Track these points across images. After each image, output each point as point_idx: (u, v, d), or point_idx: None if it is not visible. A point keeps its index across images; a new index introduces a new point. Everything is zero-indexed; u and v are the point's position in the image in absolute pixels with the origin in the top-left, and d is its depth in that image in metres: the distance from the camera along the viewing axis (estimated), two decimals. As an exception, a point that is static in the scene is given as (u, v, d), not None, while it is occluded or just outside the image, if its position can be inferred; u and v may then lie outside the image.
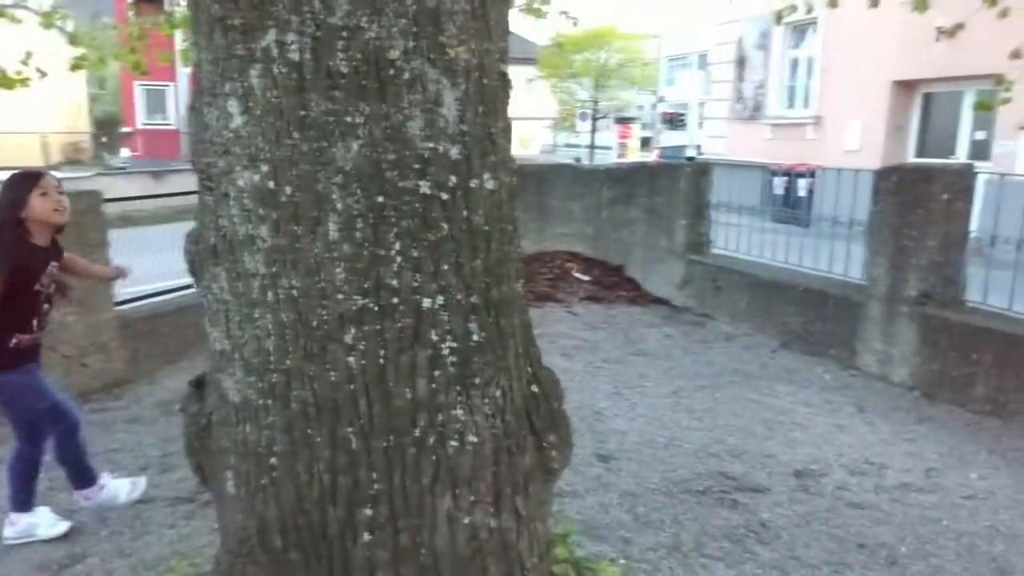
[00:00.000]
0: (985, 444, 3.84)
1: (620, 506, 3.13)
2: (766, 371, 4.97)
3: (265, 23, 1.51)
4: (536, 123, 28.61)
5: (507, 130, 1.76)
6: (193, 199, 5.35)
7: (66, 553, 2.79)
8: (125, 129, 24.94)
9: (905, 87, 10.94)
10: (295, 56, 1.50)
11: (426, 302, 1.59)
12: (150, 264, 5.27)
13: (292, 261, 1.56)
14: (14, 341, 2.69)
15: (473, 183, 1.63)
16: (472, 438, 1.65)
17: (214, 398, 1.79)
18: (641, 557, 2.75)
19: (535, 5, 5.27)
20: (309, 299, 1.57)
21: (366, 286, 1.56)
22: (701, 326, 6.07)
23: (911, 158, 10.82)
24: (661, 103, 28.99)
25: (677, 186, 6.63)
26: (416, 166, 1.55)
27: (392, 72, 1.52)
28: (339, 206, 1.54)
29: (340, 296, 1.56)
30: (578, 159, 19.42)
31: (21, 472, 2.92)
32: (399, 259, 1.56)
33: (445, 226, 1.59)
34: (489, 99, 1.66)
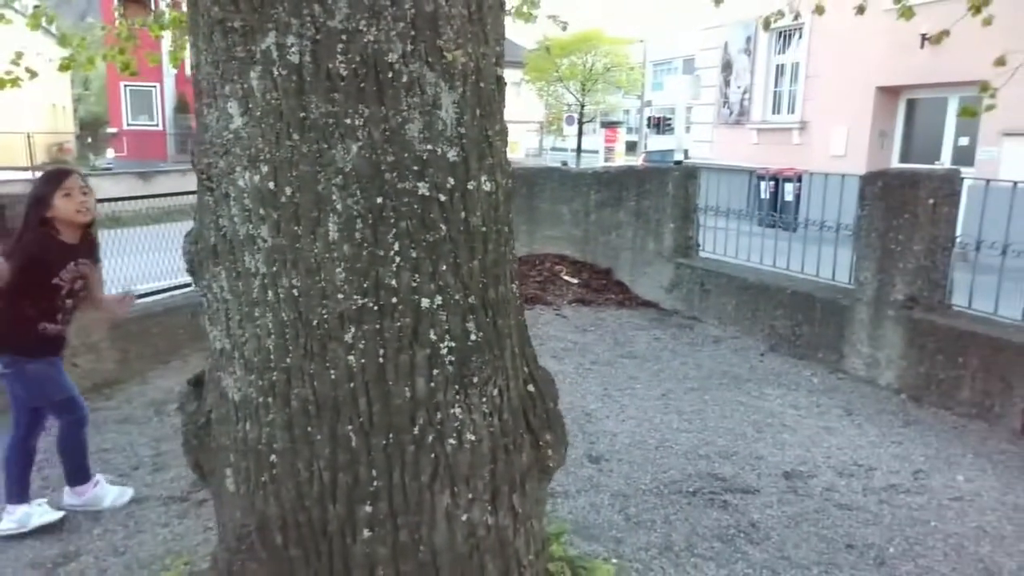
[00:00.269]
0: (971, 447, 3.89)
1: (611, 506, 3.16)
2: (754, 374, 5.02)
3: (265, 26, 1.52)
4: (522, 127, 28.70)
5: (503, 133, 1.79)
6: (180, 200, 5.35)
7: (60, 551, 2.78)
8: (111, 130, 24.75)
9: (889, 93, 11.09)
10: (295, 58, 1.52)
11: (425, 302, 1.61)
12: (139, 265, 5.26)
13: (292, 261, 1.58)
14: (42, 327, 2.82)
15: (471, 185, 1.65)
16: (470, 436, 1.67)
17: (213, 396, 1.80)
18: (633, 557, 2.78)
19: (525, 9, 5.29)
20: (309, 298, 1.58)
21: (366, 286, 1.57)
22: (689, 329, 6.11)
23: (895, 163, 10.96)
24: (647, 107, 29.16)
25: (665, 190, 6.69)
26: (415, 168, 1.57)
27: (391, 75, 1.54)
28: (339, 207, 1.55)
29: (340, 296, 1.57)
30: (565, 163, 19.48)
31: (18, 462, 2.96)
32: (398, 259, 1.58)
33: (443, 227, 1.61)
34: (486, 102, 1.69)
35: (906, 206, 4.59)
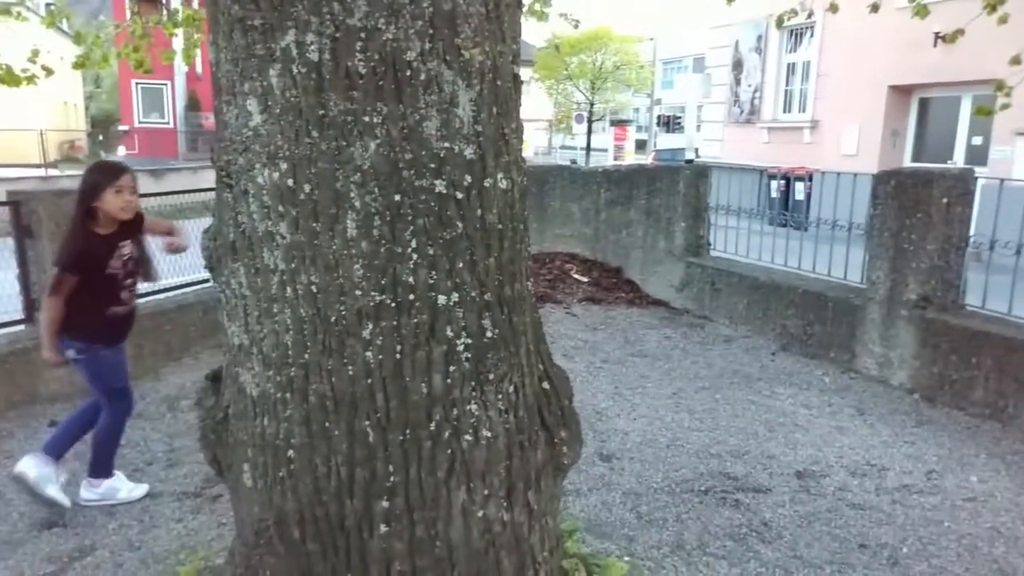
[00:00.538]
0: (984, 447, 3.87)
1: (623, 505, 3.16)
2: (766, 373, 5.00)
3: (285, 24, 1.53)
4: (532, 125, 28.72)
5: (519, 131, 1.79)
6: (192, 198, 5.39)
7: (75, 545, 2.81)
8: (122, 127, 24.91)
9: (902, 92, 11.01)
10: (314, 56, 1.53)
11: (441, 299, 1.62)
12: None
13: (311, 257, 1.59)
14: (110, 312, 2.98)
15: (487, 182, 1.66)
16: (486, 433, 1.68)
17: (231, 391, 1.82)
18: (645, 555, 2.78)
19: (537, 7, 5.29)
20: (327, 295, 1.59)
21: (383, 282, 1.58)
22: (700, 328, 6.10)
23: (907, 163, 10.89)
24: (657, 106, 29.09)
25: (676, 188, 6.67)
26: (432, 165, 1.58)
27: (409, 73, 1.54)
28: (357, 204, 1.56)
29: (358, 292, 1.58)
30: (574, 161, 19.47)
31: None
32: (415, 256, 1.59)
33: (460, 224, 1.62)
34: (503, 100, 1.69)
35: (919, 205, 4.56)
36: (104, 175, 2.93)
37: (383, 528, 1.65)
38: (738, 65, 14.01)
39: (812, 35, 12.29)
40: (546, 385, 1.85)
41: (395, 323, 1.60)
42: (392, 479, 1.64)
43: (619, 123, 30.57)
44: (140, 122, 24.45)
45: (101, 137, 27.47)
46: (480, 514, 1.69)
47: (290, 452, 1.68)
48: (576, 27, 5.75)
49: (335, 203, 1.56)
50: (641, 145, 29.80)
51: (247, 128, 1.61)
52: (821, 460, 3.67)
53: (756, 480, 3.43)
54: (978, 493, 3.37)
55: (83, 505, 3.09)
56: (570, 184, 7.89)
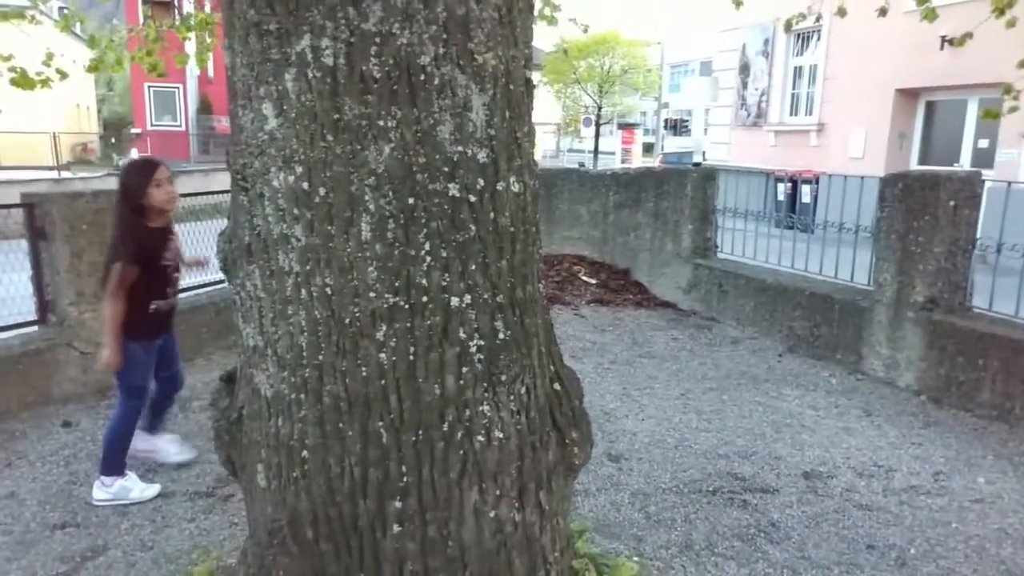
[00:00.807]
0: (992, 448, 3.87)
1: (631, 505, 3.18)
2: (773, 374, 5.01)
3: (300, 28, 1.56)
4: (540, 128, 28.77)
5: (531, 134, 1.81)
6: (204, 200, 5.44)
7: (88, 545, 2.84)
8: (134, 130, 25.06)
9: (908, 95, 11.00)
10: (329, 61, 1.55)
11: (454, 301, 1.64)
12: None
13: (325, 260, 1.61)
14: (153, 307, 3.10)
15: (500, 186, 1.68)
16: (498, 434, 1.70)
17: (246, 392, 1.84)
18: (653, 555, 2.79)
19: (546, 12, 5.32)
20: (342, 297, 1.62)
21: (397, 285, 1.61)
22: (708, 329, 6.11)
23: (914, 166, 10.88)
24: (664, 109, 29.09)
25: (683, 191, 6.69)
26: (446, 169, 1.60)
27: (423, 77, 1.56)
28: (371, 207, 1.58)
29: (372, 294, 1.61)
30: (582, 164, 19.49)
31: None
32: (429, 259, 1.61)
33: (473, 227, 1.64)
34: (515, 104, 1.71)
35: (927, 208, 4.57)
36: (141, 173, 3.04)
37: (396, 528, 1.67)
38: (745, 69, 14.02)
39: (819, 39, 12.29)
40: (557, 386, 1.87)
41: (409, 325, 1.62)
42: (405, 480, 1.66)
43: (627, 126, 30.57)
44: (152, 125, 24.60)
45: (113, 140, 27.65)
46: (492, 514, 1.71)
47: (304, 453, 1.70)
48: (585, 31, 5.77)
49: (350, 206, 1.59)
50: (648, 148, 29.79)
51: (263, 132, 1.64)
52: (828, 461, 3.68)
53: (764, 481, 3.44)
54: (985, 494, 3.37)
55: (96, 505, 3.12)
56: (578, 187, 7.91)
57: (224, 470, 2.35)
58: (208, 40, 5.37)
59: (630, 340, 5.78)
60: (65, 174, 17.64)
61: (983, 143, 10.06)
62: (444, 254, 1.62)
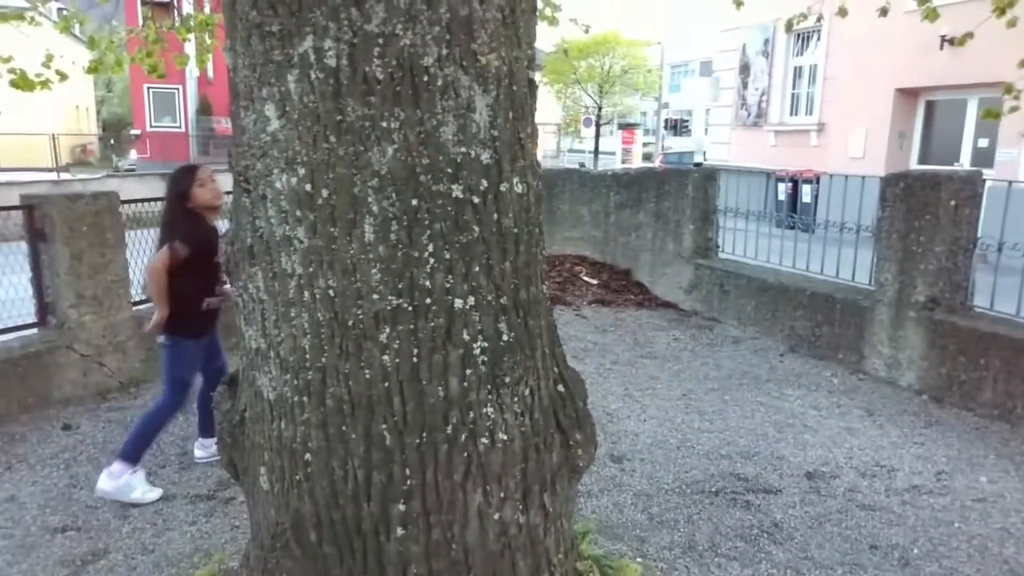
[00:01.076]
0: (993, 448, 3.87)
1: (634, 506, 3.17)
2: (775, 374, 5.00)
3: (303, 29, 1.55)
4: (541, 128, 28.78)
5: (534, 135, 1.81)
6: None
7: (88, 549, 2.83)
8: (134, 132, 25.04)
9: (908, 95, 11.00)
10: (332, 62, 1.54)
11: (458, 302, 1.63)
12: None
13: (328, 262, 1.61)
14: (205, 304, 3.26)
15: (503, 187, 1.67)
16: (502, 436, 1.69)
17: (248, 395, 1.83)
18: (657, 556, 2.79)
19: (547, 13, 5.31)
20: (345, 299, 1.61)
21: (400, 286, 1.60)
22: (709, 330, 6.10)
23: (914, 165, 10.88)
24: (664, 109, 29.10)
25: (684, 191, 6.68)
26: (449, 170, 1.60)
27: (426, 78, 1.56)
28: (375, 208, 1.58)
29: (375, 296, 1.60)
30: (583, 164, 19.49)
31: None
32: (432, 260, 1.60)
33: (476, 229, 1.63)
34: (518, 105, 1.71)
35: (928, 208, 4.56)
36: (182, 179, 3.22)
37: (400, 531, 1.67)
38: (745, 69, 14.02)
39: (819, 39, 12.29)
40: (561, 388, 1.86)
41: (412, 327, 1.61)
42: (409, 482, 1.65)
43: (627, 127, 30.58)
44: (152, 126, 24.57)
45: (112, 141, 27.64)
46: (496, 517, 1.70)
47: (307, 455, 1.69)
48: (587, 32, 5.77)
49: (353, 208, 1.58)
50: (648, 157, 29.84)
51: (265, 133, 1.63)
52: (831, 461, 3.67)
53: (766, 481, 3.43)
54: (988, 494, 3.37)
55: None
56: (579, 187, 7.91)
57: (225, 473, 2.34)
58: (208, 41, 5.36)
59: (632, 340, 5.77)
60: (64, 176, 17.64)
61: (983, 142, 10.07)
62: (448, 256, 1.61)
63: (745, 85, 14.04)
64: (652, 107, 34.66)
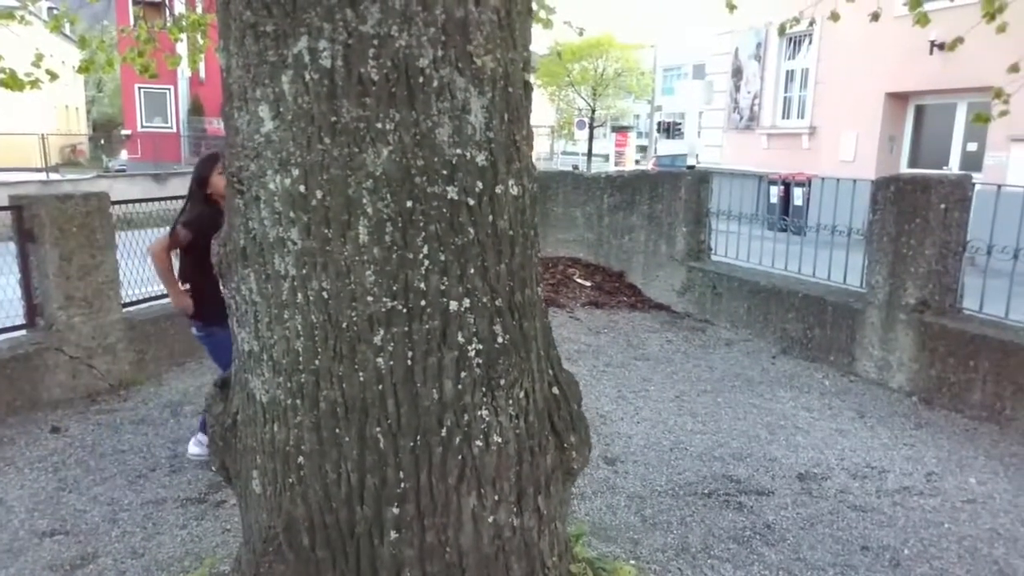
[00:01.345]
0: (983, 449, 3.89)
1: (627, 508, 3.17)
2: (767, 376, 5.02)
3: (297, 30, 1.54)
4: (534, 131, 28.78)
5: (530, 137, 1.81)
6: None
7: (78, 553, 2.80)
8: (124, 132, 24.91)
9: (898, 99, 11.08)
10: (327, 63, 1.54)
11: (453, 305, 1.63)
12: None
13: (322, 263, 1.60)
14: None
15: (499, 189, 1.67)
16: (497, 438, 1.68)
17: (240, 398, 1.82)
18: (650, 558, 2.79)
19: (541, 15, 5.32)
20: (339, 301, 1.60)
21: (395, 289, 1.59)
22: (702, 332, 6.12)
23: (904, 169, 10.95)
24: (657, 112, 29.21)
25: (677, 194, 6.70)
26: (444, 172, 1.59)
27: (421, 80, 1.55)
28: (369, 210, 1.57)
29: (370, 298, 1.59)
30: (576, 167, 19.52)
31: None
32: (427, 262, 1.60)
33: (472, 231, 1.63)
34: (514, 107, 1.71)
35: (918, 211, 4.59)
36: (204, 165, 3.32)
37: (393, 534, 1.66)
38: (738, 72, 14.08)
39: (810, 43, 12.36)
40: (556, 390, 1.86)
41: (406, 329, 1.60)
42: (403, 485, 1.64)
43: (620, 129, 30.65)
44: (143, 126, 24.45)
45: (103, 141, 27.47)
46: (490, 520, 1.70)
47: (300, 459, 1.68)
48: (581, 34, 5.78)
49: (347, 209, 1.57)
50: (642, 150, 29.92)
51: (259, 134, 1.62)
52: (822, 462, 3.69)
53: (759, 483, 3.44)
54: (977, 495, 3.39)
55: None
56: (573, 190, 7.92)
57: (216, 476, 2.33)
58: (200, 41, 5.34)
59: (625, 342, 5.78)
60: (54, 176, 17.52)
61: (972, 147, 10.15)
62: (443, 257, 1.61)
63: (738, 88, 14.10)
64: (645, 110, 34.79)
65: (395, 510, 1.65)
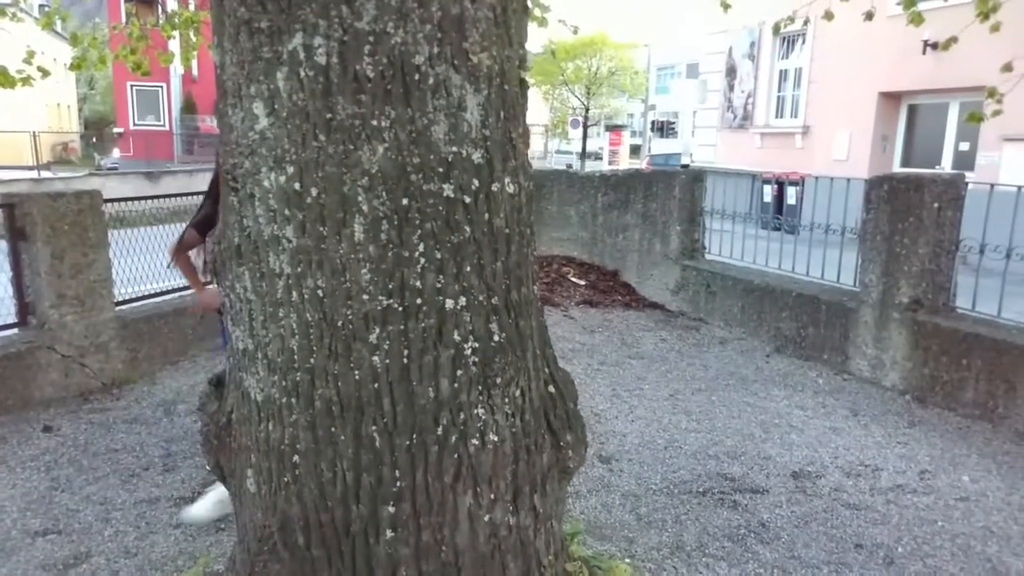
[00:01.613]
0: (976, 447, 3.91)
1: (622, 506, 3.17)
2: (761, 375, 5.03)
3: (292, 27, 1.53)
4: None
5: (526, 135, 1.80)
6: (188, 201, 5.42)
7: (71, 552, 2.78)
8: (117, 130, 24.79)
9: (891, 98, 11.13)
10: (322, 60, 1.53)
11: (449, 303, 1.62)
12: (148, 265, 5.27)
13: (318, 261, 1.59)
14: None
15: (495, 187, 1.66)
16: (493, 437, 1.68)
17: (235, 396, 1.81)
18: (645, 556, 2.79)
19: (537, 13, 5.31)
20: (334, 299, 1.59)
21: (391, 287, 1.59)
22: (696, 330, 6.13)
23: (896, 168, 11.00)
24: (651, 111, 29.25)
25: (671, 193, 6.71)
26: (440, 169, 1.59)
27: (417, 77, 1.55)
28: (364, 208, 1.56)
29: (365, 296, 1.59)
30: (570, 165, 19.54)
31: None
32: (423, 260, 1.59)
33: (468, 229, 1.62)
34: (510, 105, 1.70)
35: (911, 210, 4.61)
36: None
37: (389, 533, 1.65)
38: (731, 71, 14.11)
39: (804, 42, 12.40)
40: (552, 389, 1.86)
41: (402, 327, 1.60)
42: (399, 484, 1.64)
43: (614, 128, 30.67)
44: (135, 124, 24.34)
45: (95, 139, 27.34)
46: (486, 518, 1.69)
47: (295, 457, 1.67)
48: (575, 33, 5.78)
49: (342, 207, 1.57)
50: (635, 150, 29.91)
51: (253, 131, 1.61)
52: (816, 461, 3.70)
53: (753, 481, 3.45)
54: (970, 493, 3.40)
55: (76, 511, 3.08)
56: (567, 188, 7.92)
57: (210, 474, 2.31)
58: (193, 39, 5.31)
59: (619, 341, 5.78)
60: (45, 174, 17.42)
61: (964, 146, 10.20)
62: (438, 256, 1.60)
63: (731, 88, 14.14)
64: (639, 109, 34.83)
65: (391, 509, 1.65)
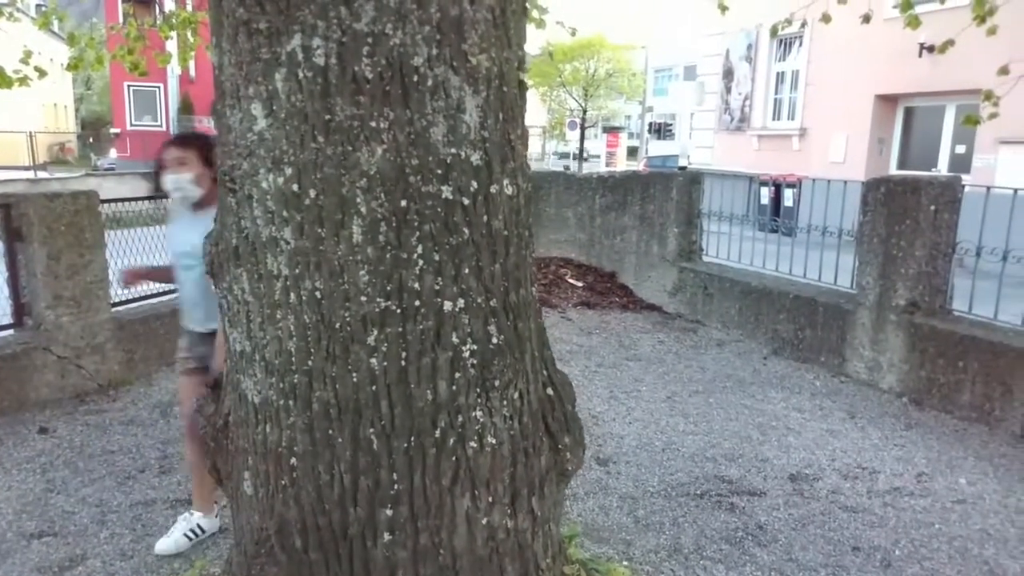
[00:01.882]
0: (972, 450, 3.92)
1: (620, 509, 3.17)
2: (758, 377, 5.03)
3: (291, 27, 1.53)
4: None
5: (524, 137, 1.80)
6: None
7: (66, 555, 2.77)
8: (113, 130, 24.74)
9: (888, 101, 11.15)
10: (320, 61, 1.52)
11: (447, 305, 1.62)
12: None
13: (316, 263, 1.58)
14: None
15: (493, 188, 1.66)
16: (491, 439, 1.68)
17: (232, 399, 1.80)
18: (643, 559, 2.79)
19: (535, 15, 5.31)
20: (332, 301, 1.59)
21: (389, 289, 1.58)
22: (693, 332, 6.13)
23: (893, 170, 11.02)
24: (649, 113, 29.29)
25: (669, 195, 6.72)
26: (439, 171, 1.58)
27: (416, 78, 1.54)
28: (363, 209, 1.56)
29: (363, 298, 1.58)
30: (567, 167, 19.54)
31: None
32: (421, 262, 1.59)
33: (466, 230, 1.62)
34: (508, 106, 1.70)
35: (908, 212, 4.62)
36: None
37: (387, 536, 1.65)
38: (729, 73, 14.13)
39: (801, 44, 12.42)
40: (550, 391, 1.85)
41: (400, 329, 1.59)
42: (396, 487, 1.63)
43: (611, 130, 30.70)
44: (132, 125, 24.29)
45: (92, 140, 27.28)
46: (484, 521, 1.69)
47: (293, 460, 1.67)
48: (573, 35, 5.78)
49: (341, 208, 1.56)
50: (633, 152, 29.94)
51: (251, 132, 1.61)
52: (813, 463, 3.70)
53: (750, 483, 3.45)
54: (967, 495, 3.41)
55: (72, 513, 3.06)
56: (565, 190, 7.92)
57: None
58: (191, 39, 5.30)
59: (616, 343, 5.78)
60: (42, 174, 17.38)
61: (960, 149, 10.22)
62: (437, 257, 1.60)
63: (728, 90, 14.16)
64: (636, 111, 34.89)
65: (388, 512, 1.64)
